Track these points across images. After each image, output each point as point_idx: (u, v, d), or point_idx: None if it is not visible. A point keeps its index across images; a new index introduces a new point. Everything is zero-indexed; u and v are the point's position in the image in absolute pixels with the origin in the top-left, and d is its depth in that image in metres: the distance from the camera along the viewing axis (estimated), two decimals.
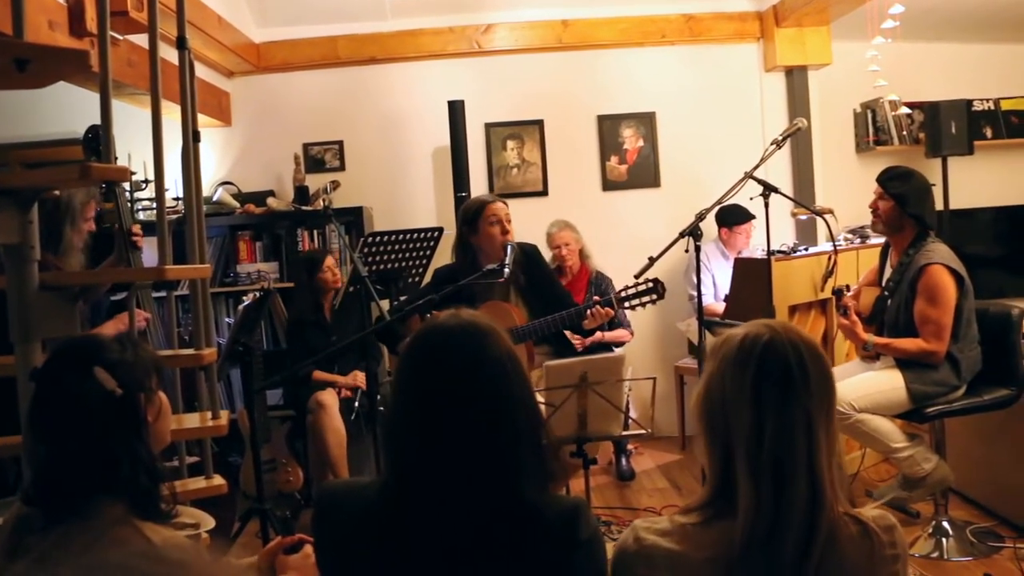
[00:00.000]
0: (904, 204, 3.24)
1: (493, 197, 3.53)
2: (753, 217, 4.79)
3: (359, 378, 4.16)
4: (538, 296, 3.42)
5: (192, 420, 2.44)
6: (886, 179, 3.31)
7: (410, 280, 3.80)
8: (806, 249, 4.03)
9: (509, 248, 3.30)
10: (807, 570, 1.23)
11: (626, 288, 3.24)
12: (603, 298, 3.25)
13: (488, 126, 5.24)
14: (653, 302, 3.22)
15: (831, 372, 1.34)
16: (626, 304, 3.24)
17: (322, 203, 4.75)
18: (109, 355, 1.44)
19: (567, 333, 3.50)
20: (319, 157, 5.23)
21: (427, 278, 3.83)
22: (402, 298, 3.65)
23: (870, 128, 5.44)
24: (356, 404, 4.11)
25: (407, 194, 5.25)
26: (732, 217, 4.81)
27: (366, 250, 3.58)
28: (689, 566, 1.27)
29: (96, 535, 1.33)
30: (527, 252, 3.49)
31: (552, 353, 3.44)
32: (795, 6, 4.80)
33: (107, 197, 3.50)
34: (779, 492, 1.25)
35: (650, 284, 3.20)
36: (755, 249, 4.72)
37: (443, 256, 3.88)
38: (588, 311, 3.24)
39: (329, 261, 4.30)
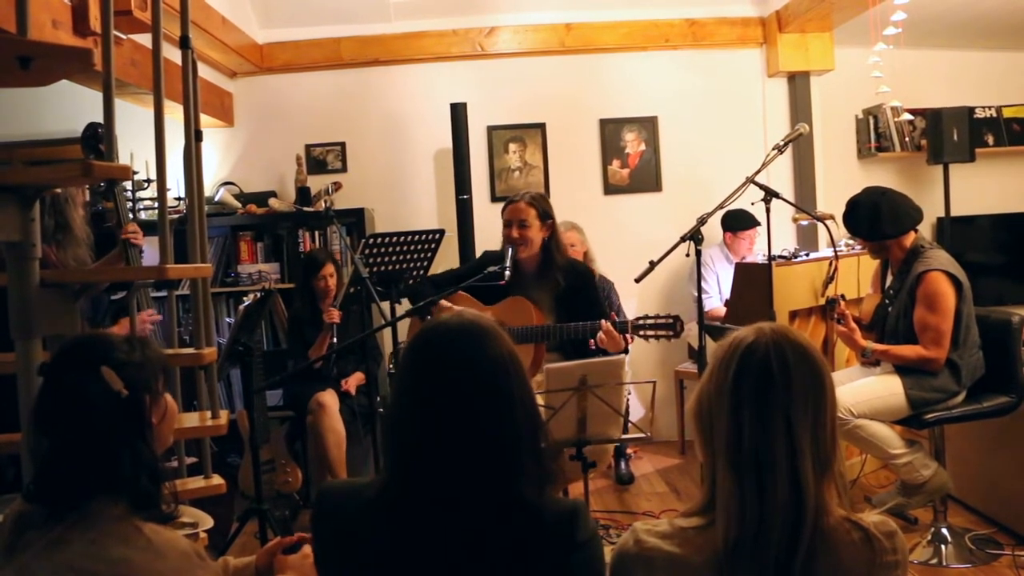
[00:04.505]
0: (869, 237, 3.30)
1: (520, 195, 3.43)
2: (758, 224, 4.77)
3: (350, 381, 4.18)
4: (570, 312, 3.32)
5: (191, 419, 2.44)
6: (846, 226, 3.39)
7: (411, 282, 3.79)
8: (807, 255, 4.04)
9: (510, 250, 3.29)
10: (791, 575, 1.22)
11: (646, 317, 3.17)
12: (619, 320, 3.20)
13: (490, 129, 5.25)
14: (668, 338, 3.13)
15: (824, 376, 1.31)
16: (640, 333, 3.16)
17: (324, 204, 4.75)
18: (117, 355, 1.43)
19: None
20: (321, 158, 5.23)
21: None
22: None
23: (872, 134, 5.44)
24: (355, 405, 4.11)
25: (409, 196, 5.25)
26: (737, 222, 4.81)
27: (367, 251, 3.58)
28: (688, 569, 1.27)
29: (97, 532, 1.33)
30: (579, 270, 3.47)
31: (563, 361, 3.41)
32: (798, 12, 4.81)
33: (107, 196, 3.49)
34: (761, 495, 1.24)
35: (670, 320, 3.12)
36: (757, 255, 4.72)
37: (443, 258, 3.87)
38: (600, 332, 3.19)
39: (327, 268, 4.26)
